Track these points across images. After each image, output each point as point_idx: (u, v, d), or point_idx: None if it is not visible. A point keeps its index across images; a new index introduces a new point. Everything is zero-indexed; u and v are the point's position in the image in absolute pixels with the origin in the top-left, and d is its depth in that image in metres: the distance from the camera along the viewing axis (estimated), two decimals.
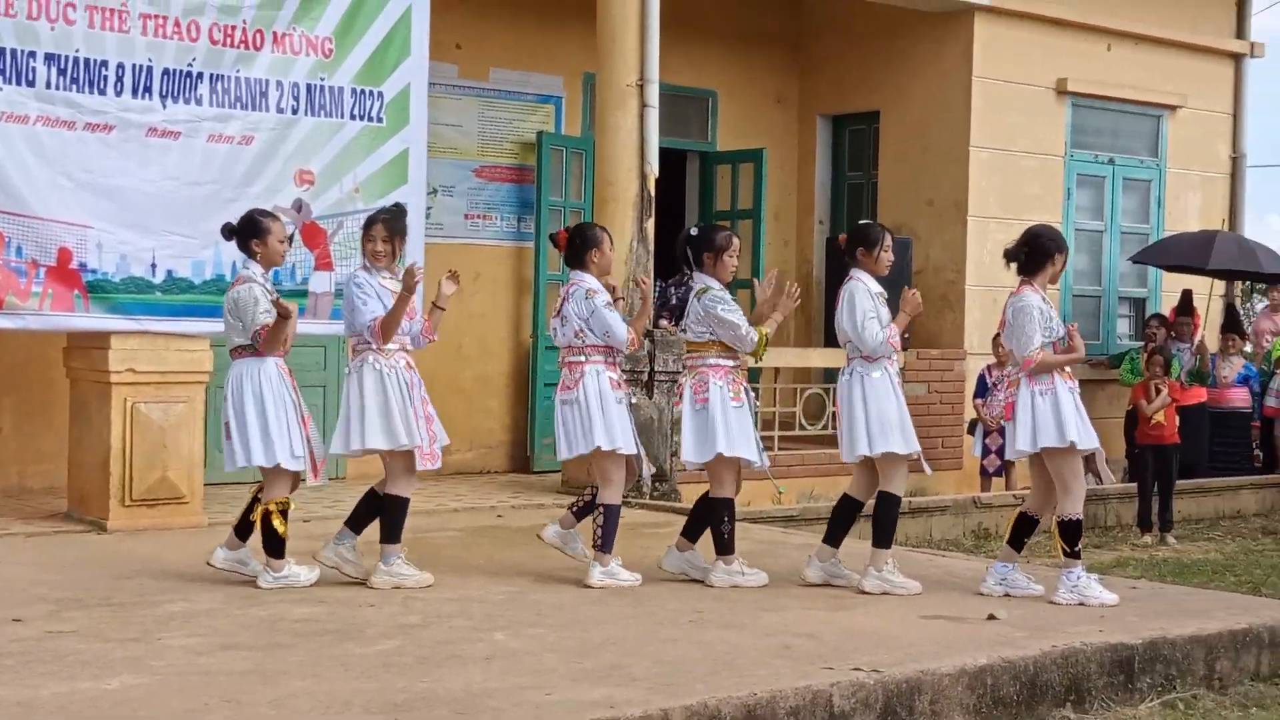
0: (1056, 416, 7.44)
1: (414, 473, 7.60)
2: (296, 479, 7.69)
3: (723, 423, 7.67)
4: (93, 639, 6.16)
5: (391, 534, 7.57)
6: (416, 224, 10.36)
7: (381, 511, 7.64)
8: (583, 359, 7.72)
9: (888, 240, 7.84)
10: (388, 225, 7.65)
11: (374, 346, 7.51)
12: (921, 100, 14.38)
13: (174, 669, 5.64)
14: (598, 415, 7.61)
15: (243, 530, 7.69)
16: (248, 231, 7.68)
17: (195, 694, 5.22)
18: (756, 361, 7.79)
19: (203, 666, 5.69)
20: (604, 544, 7.67)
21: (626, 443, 7.69)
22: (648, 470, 7.99)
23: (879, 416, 7.62)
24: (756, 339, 7.76)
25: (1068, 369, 7.60)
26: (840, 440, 7.84)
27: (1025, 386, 7.52)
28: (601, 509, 7.70)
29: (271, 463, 7.49)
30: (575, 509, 7.98)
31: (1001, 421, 7.81)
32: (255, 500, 7.65)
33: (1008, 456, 7.99)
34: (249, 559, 7.67)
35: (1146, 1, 15.23)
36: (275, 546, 7.53)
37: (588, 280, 7.77)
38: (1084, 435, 7.47)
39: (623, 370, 7.85)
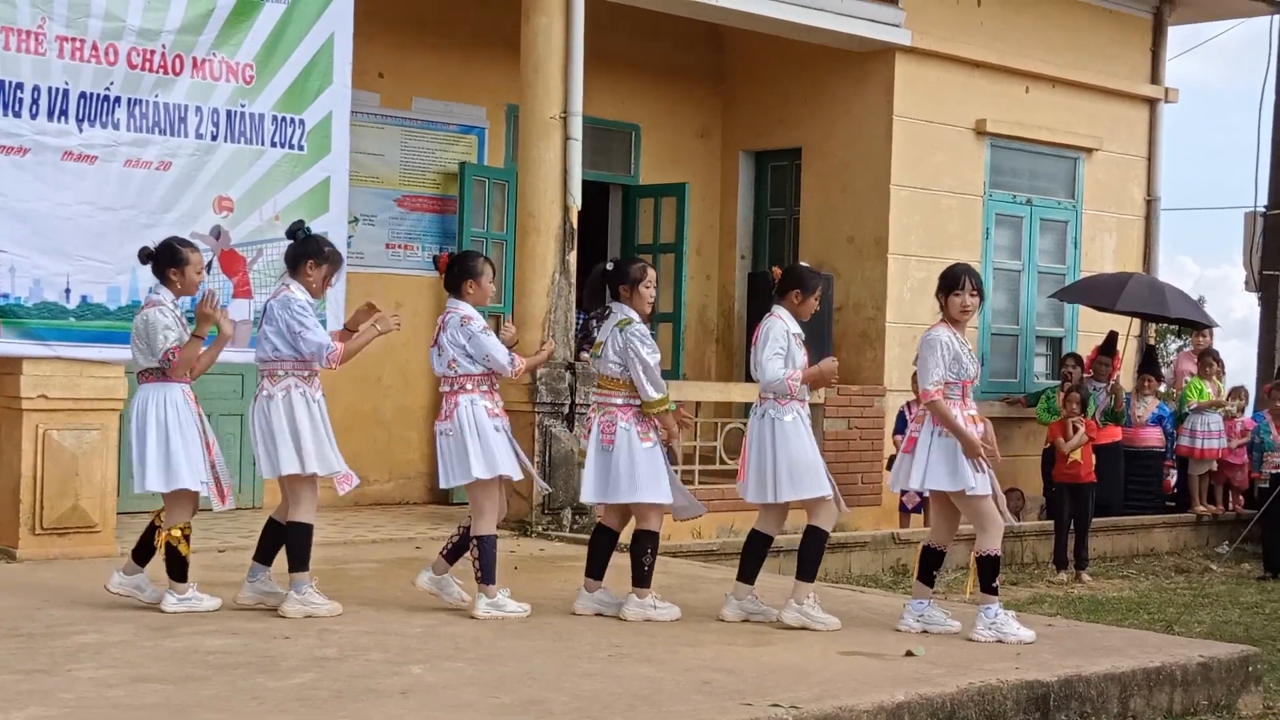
0: (953, 460, 7.48)
1: (316, 498, 7.60)
2: (196, 503, 7.61)
3: (629, 466, 7.64)
4: (0, 670, 6.04)
5: (300, 561, 7.50)
6: None
7: (281, 539, 7.60)
8: (456, 389, 7.66)
9: (820, 290, 7.89)
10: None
11: (308, 372, 7.48)
12: (843, 138, 14.49)
13: (83, 701, 5.53)
14: (474, 445, 7.54)
15: (141, 555, 7.62)
16: (166, 260, 7.61)
17: None
18: (647, 413, 7.71)
19: (113, 699, 5.58)
20: (485, 577, 7.58)
21: (508, 467, 7.60)
22: (541, 487, 7.84)
23: (788, 462, 7.61)
24: (659, 395, 7.70)
25: (972, 414, 7.61)
26: (744, 479, 7.82)
27: (927, 426, 7.57)
28: (476, 542, 7.62)
29: (171, 488, 7.44)
30: (446, 552, 7.86)
31: (899, 452, 7.82)
32: (154, 525, 7.59)
33: (896, 485, 7.99)
34: (146, 585, 7.62)
35: (1063, 45, 15.45)
36: (179, 570, 7.51)
37: (463, 308, 7.70)
38: (980, 481, 7.48)
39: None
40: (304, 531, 7.53)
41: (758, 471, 7.72)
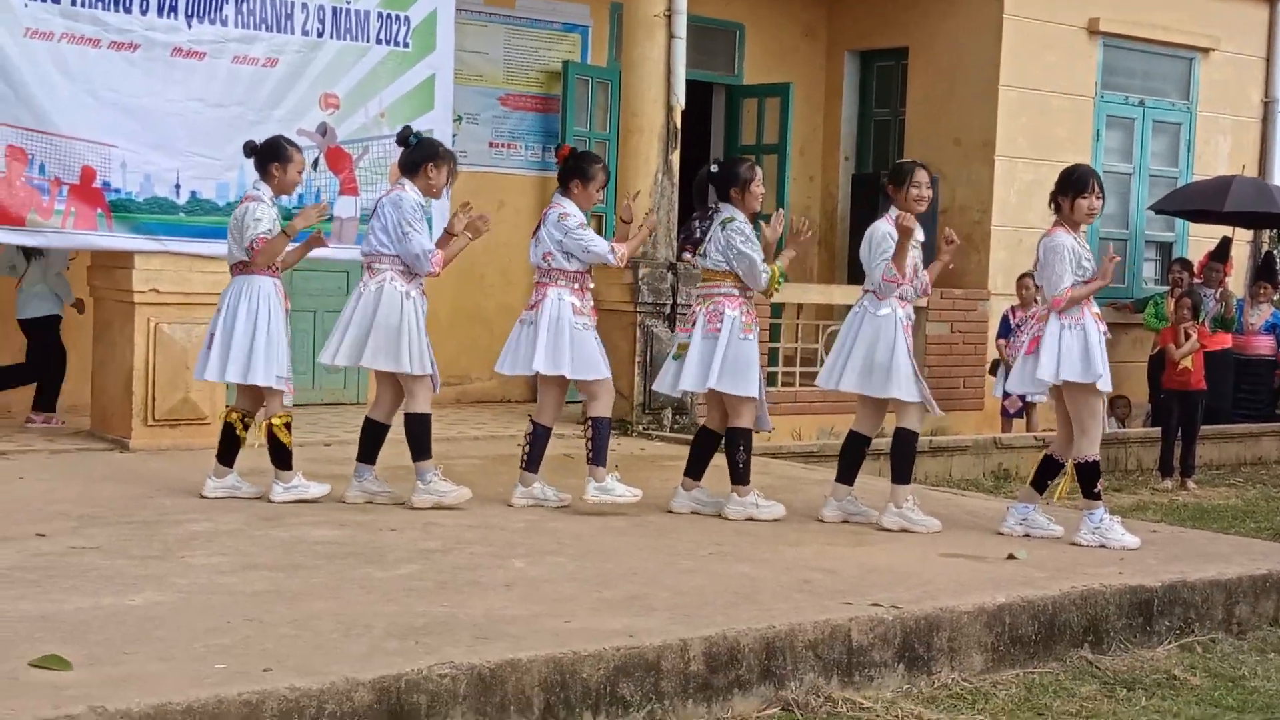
0: (1084, 352, 7.38)
1: (430, 390, 7.70)
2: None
3: (727, 355, 7.63)
4: (115, 556, 6.19)
5: (423, 451, 7.62)
6: None
7: (380, 437, 7.74)
8: (548, 282, 7.69)
9: (917, 176, 7.69)
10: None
11: (410, 270, 7.53)
12: (951, 38, 14.24)
13: (196, 587, 5.66)
14: (544, 339, 7.59)
15: (225, 456, 7.76)
16: (270, 154, 7.69)
17: (217, 612, 5.24)
18: (769, 297, 7.74)
19: (225, 586, 5.70)
20: (595, 457, 7.66)
21: (578, 369, 7.63)
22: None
23: (864, 356, 7.56)
24: (769, 277, 7.68)
25: (1096, 310, 7.53)
26: (825, 363, 7.83)
27: (1054, 320, 7.45)
28: (591, 423, 7.69)
29: (270, 381, 7.56)
30: (524, 464, 7.88)
31: (1019, 355, 7.68)
32: (229, 425, 7.73)
33: (1021, 388, 7.82)
34: (241, 482, 7.76)
35: None
36: (284, 459, 7.66)
37: (565, 204, 7.73)
38: (1106, 376, 7.43)
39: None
40: (423, 421, 7.63)
41: (834, 357, 7.72)
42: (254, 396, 7.77)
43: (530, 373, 7.75)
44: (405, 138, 7.76)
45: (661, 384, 7.96)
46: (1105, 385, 7.42)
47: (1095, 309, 7.55)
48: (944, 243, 7.84)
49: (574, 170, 7.79)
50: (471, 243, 7.82)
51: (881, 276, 7.55)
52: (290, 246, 7.69)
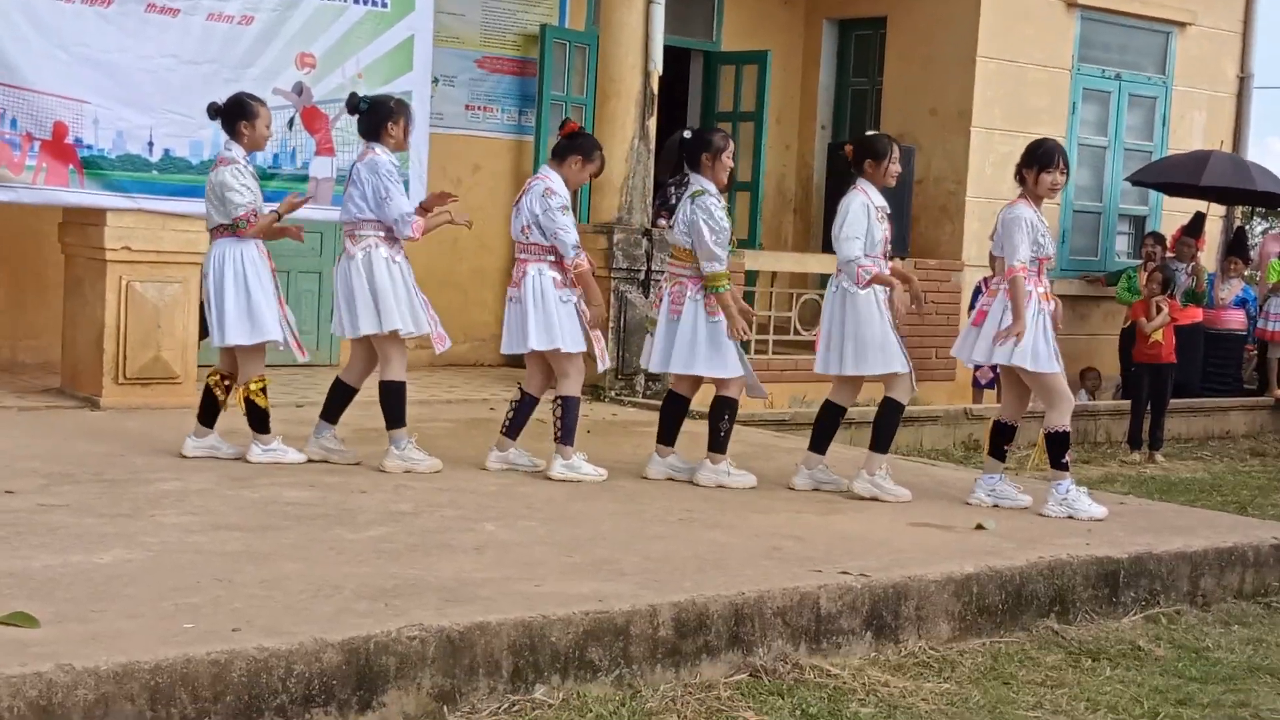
0: (1025, 336, 7.40)
1: (405, 356, 7.70)
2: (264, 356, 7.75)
3: (691, 338, 7.65)
4: (84, 514, 6.17)
5: (396, 418, 7.61)
6: (421, 113, 10.27)
7: (347, 398, 7.77)
8: (527, 256, 7.67)
9: (895, 152, 7.72)
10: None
11: (390, 233, 7.52)
12: (929, 8, 14.22)
13: (166, 546, 5.65)
14: (535, 316, 7.58)
15: (206, 417, 7.74)
16: (236, 113, 7.63)
17: (187, 572, 5.23)
18: (708, 289, 7.66)
19: (195, 545, 5.70)
20: (564, 437, 7.66)
21: (567, 342, 7.62)
22: (603, 365, 7.89)
23: (856, 337, 7.57)
24: (714, 270, 7.61)
25: (1045, 291, 7.53)
26: (817, 350, 7.84)
27: (1000, 299, 7.49)
28: (561, 402, 7.68)
29: (254, 340, 7.54)
30: (505, 429, 7.89)
31: (967, 323, 7.74)
32: (209, 387, 7.72)
33: (958, 354, 7.90)
34: (220, 443, 7.73)
35: None
36: (261, 422, 7.64)
37: (554, 180, 7.68)
38: (1041, 360, 7.43)
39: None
40: (397, 389, 7.63)
41: (826, 343, 7.71)
42: (233, 359, 7.74)
43: (527, 350, 7.72)
44: (355, 105, 7.70)
45: (644, 360, 7.99)
46: (1044, 366, 7.42)
47: (1043, 289, 7.55)
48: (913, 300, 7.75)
49: (579, 147, 7.76)
50: (447, 223, 7.79)
51: (857, 268, 7.48)
52: (267, 212, 7.66)
